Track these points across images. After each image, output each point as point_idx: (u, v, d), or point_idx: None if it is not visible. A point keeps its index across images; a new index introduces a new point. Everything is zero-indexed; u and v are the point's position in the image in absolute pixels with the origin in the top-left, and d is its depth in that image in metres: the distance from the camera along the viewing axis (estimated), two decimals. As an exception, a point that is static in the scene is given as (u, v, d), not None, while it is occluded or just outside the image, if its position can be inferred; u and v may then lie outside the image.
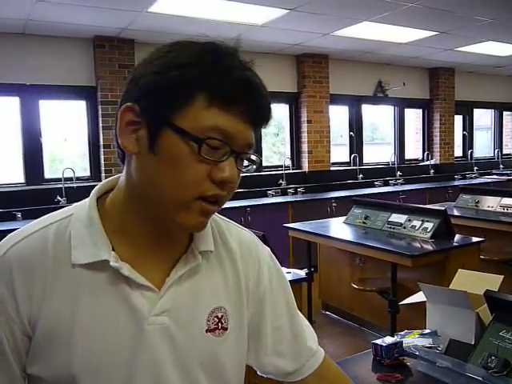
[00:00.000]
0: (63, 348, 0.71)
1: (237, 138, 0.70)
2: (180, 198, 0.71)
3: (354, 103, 7.18)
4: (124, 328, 0.73)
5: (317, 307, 4.35)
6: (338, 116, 7.11)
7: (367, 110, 7.42)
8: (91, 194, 0.79)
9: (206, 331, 0.79)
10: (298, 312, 0.96)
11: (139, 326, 0.74)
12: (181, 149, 0.68)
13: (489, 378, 1.34)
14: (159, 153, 0.69)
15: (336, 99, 6.82)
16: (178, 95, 0.68)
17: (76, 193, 4.96)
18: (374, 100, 7.33)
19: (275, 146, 7.32)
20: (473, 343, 1.49)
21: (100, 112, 5.18)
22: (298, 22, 4.84)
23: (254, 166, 0.76)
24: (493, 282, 1.66)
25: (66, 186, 5.00)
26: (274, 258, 0.94)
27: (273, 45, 5.82)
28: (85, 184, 5.17)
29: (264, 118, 0.74)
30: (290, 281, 0.98)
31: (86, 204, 0.78)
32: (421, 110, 8.05)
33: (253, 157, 0.76)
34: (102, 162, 5.24)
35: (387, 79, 7.31)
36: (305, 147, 6.55)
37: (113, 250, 0.74)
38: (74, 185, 5.04)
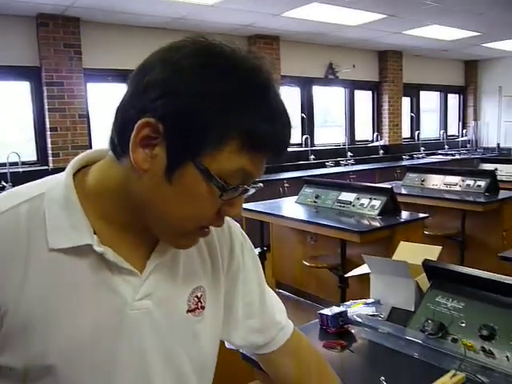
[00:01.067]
0: (39, 337, 0.66)
1: (255, 175, 0.68)
2: (183, 228, 0.69)
3: (306, 85, 7.25)
4: (105, 315, 0.69)
5: (270, 286, 4.41)
6: (290, 97, 7.15)
7: (319, 91, 7.51)
8: (67, 172, 0.71)
9: (187, 312, 0.78)
10: (267, 286, 0.97)
11: (121, 312, 0.70)
12: (200, 187, 0.65)
13: (426, 341, 1.43)
14: (174, 183, 0.65)
15: (287, 81, 6.87)
16: (213, 135, 0.63)
17: (22, 177, 4.73)
18: (325, 82, 7.43)
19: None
20: (413, 310, 1.58)
21: (45, 94, 5.00)
22: (248, 1, 4.81)
23: (253, 190, 0.71)
24: (432, 252, 1.75)
25: (11, 170, 4.81)
26: (244, 232, 0.93)
27: (223, 25, 5.76)
28: (31, 169, 4.96)
29: (286, 150, 0.70)
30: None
31: (61, 182, 0.70)
32: (370, 92, 8.23)
33: (258, 184, 0.72)
34: (49, 145, 5.05)
35: (338, 61, 7.42)
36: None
37: (94, 233, 0.69)
38: (20, 169, 4.84)
